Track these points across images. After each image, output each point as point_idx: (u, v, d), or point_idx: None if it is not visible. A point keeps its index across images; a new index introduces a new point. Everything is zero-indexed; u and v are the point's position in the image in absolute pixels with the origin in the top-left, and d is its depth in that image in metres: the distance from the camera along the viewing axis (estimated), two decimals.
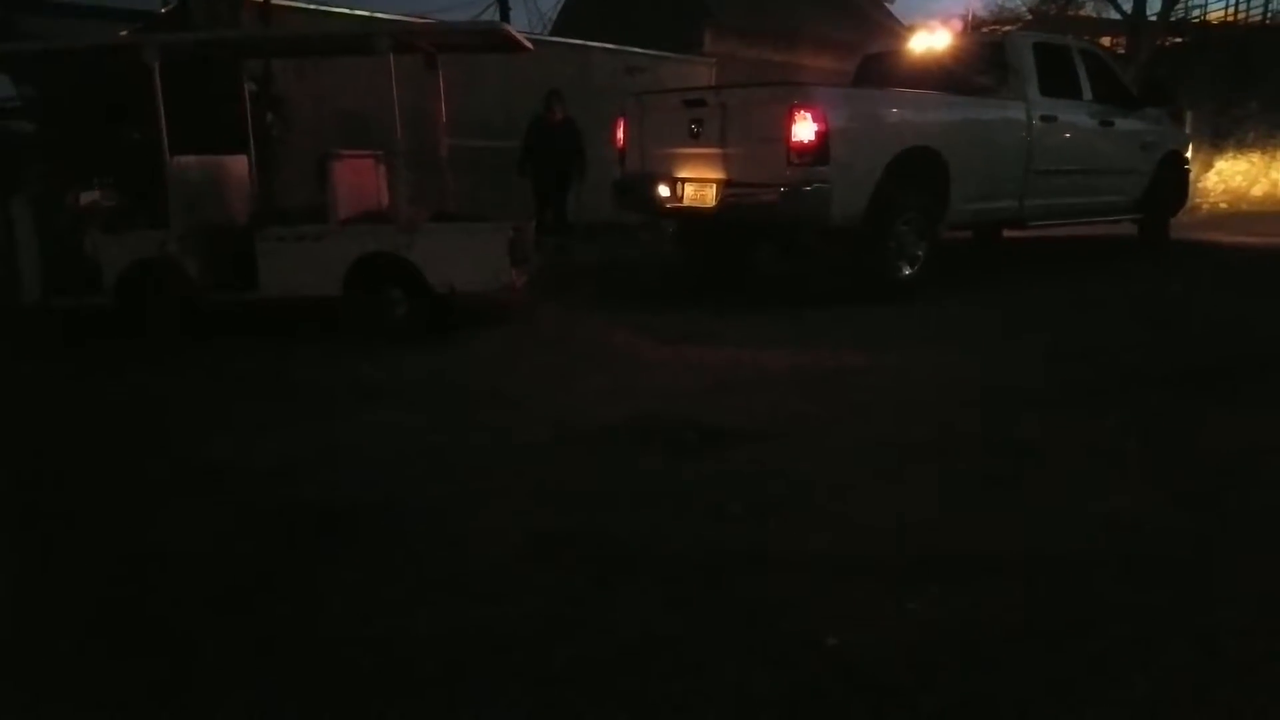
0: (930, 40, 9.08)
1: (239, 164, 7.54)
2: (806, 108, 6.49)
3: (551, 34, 19.34)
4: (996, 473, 3.65)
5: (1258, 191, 17.58)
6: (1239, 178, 18.24)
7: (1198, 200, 15.97)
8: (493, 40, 7.31)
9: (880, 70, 9.23)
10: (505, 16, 15.89)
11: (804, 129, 6.46)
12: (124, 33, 11.26)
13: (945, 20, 21.75)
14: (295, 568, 3.07)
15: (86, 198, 7.07)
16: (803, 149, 6.50)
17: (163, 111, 6.52)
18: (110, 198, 7.27)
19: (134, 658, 2.57)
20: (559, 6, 21.34)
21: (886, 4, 24.27)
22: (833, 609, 2.62)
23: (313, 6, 12.24)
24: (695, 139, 7.25)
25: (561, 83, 10.67)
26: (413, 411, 4.87)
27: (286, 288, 6.58)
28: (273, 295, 6.62)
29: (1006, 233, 10.04)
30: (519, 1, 24.84)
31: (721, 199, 7.05)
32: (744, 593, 2.74)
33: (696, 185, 7.28)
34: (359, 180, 7.21)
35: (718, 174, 7.10)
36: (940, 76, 8.27)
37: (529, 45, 7.76)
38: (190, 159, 7.00)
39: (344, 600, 2.84)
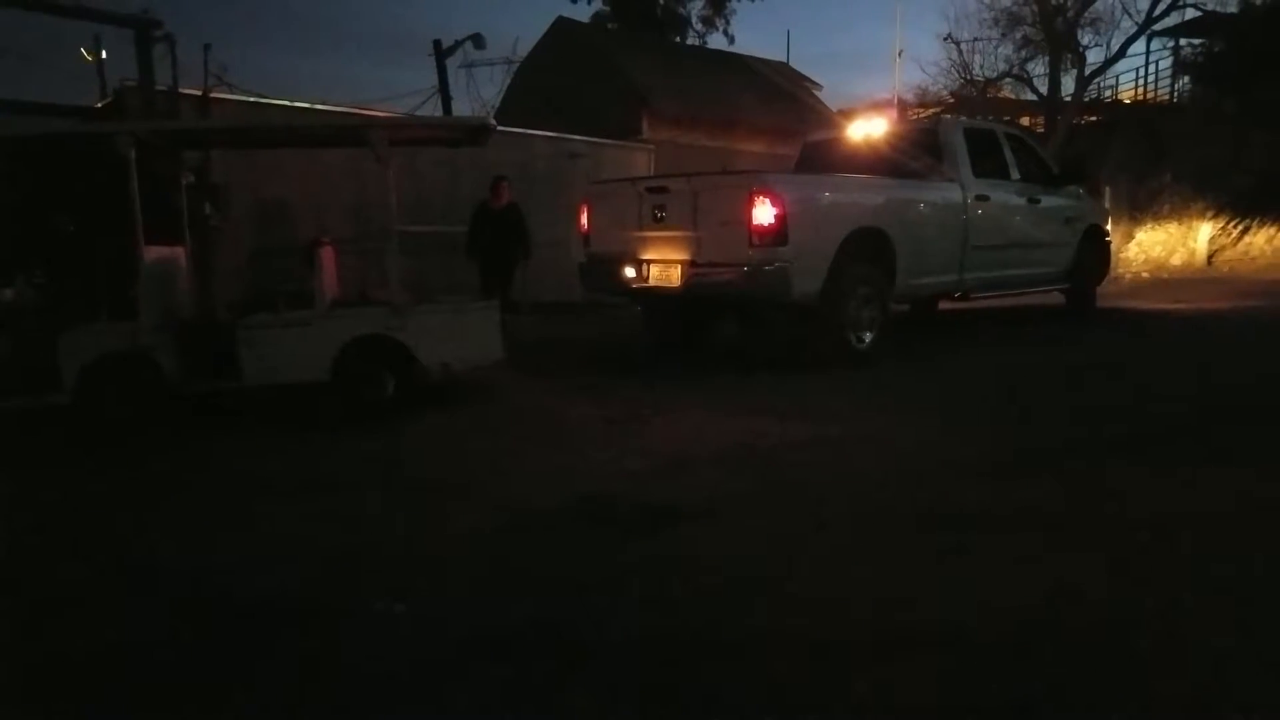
0: (867, 127, 10.10)
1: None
2: (766, 193, 7.29)
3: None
4: (942, 546, 3.78)
5: (1176, 260, 19.06)
6: (1158, 248, 19.78)
7: (1120, 270, 17.33)
8: (480, 134, 7.83)
9: (821, 156, 10.19)
10: (447, 106, 16.71)
11: (764, 212, 7.25)
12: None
13: (875, 105, 23.43)
14: (224, 672, 3.02)
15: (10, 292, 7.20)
16: (763, 231, 7.28)
17: (138, 201, 6.58)
18: (33, 291, 7.37)
19: None
20: (501, 95, 22.36)
21: (815, 91, 25.91)
22: (781, 694, 2.70)
23: (251, 99, 12.87)
24: (659, 222, 8.02)
25: (503, 168, 11.39)
26: (362, 500, 4.94)
27: (272, 375, 6.77)
28: (256, 383, 6.77)
29: (944, 304, 10.94)
30: (459, 89, 25.62)
31: (687, 278, 7.78)
32: (692, 680, 2.80)
33: (661, 266, 8.03)
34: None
35: (682, 255, 7.85)
36: (878, 161, 9.23)
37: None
38: (162, 249, 7.17)
39: (278, 705, 2.81)
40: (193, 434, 6.75)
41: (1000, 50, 25.82)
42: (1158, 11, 22.81)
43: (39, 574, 4.07)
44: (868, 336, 8.19)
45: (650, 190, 8.25)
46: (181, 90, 12.08)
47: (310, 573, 3.89)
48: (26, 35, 20.73)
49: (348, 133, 7.84)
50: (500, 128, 8.07)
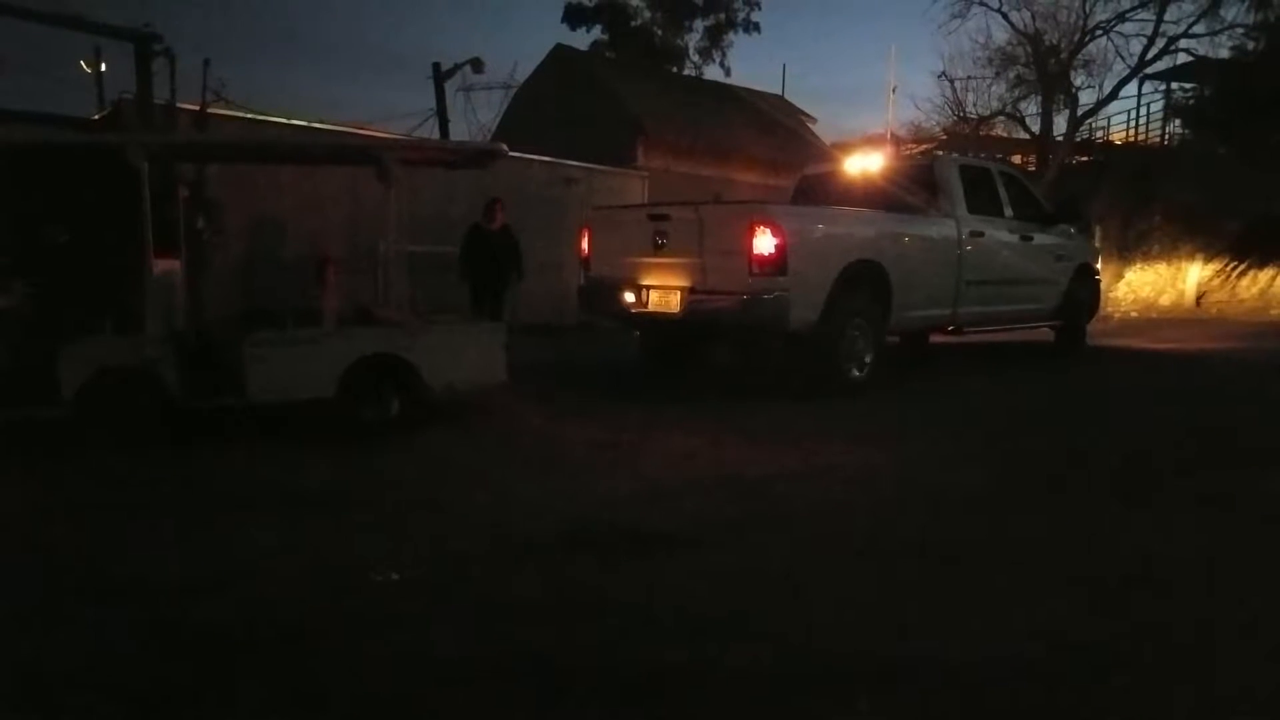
0: (864, 161, 10.35)
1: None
2: (766, 223, 7.49)
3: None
4: (930, 578, 3.85)
5: (1165, 300, 19.36)
6: (1147, 288, 20.10)
7: (1110, 309, 17.61)
8: (489, 159, 8.05)
9: (818, 189, 10.42)
10: (445, 128, 16.93)
11: (764, 242, 7.45)
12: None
13: (869, 139, 23.81)
14: (207, 689, 3.01)
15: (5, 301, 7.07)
16: (763, 261, 7.47)
17: (148, 213, 6.62)
18: (30, 301, 7.43)
19: None
20: (498, 119, 22.59)
21: (810, 124, 26.29)
22: None
23: (249, 115, 13.02)
24: (659, 249, 8.21)
25: (499, 192, 11.48)
26: (348, 520, 4.94)
27: (277, 392, 6.75)
28: (261, 400, 6.75)
29: (935, 338, 11.13)
30: (457, 112, 25.69)
31: (686, 305, 7.97)
32: (678, 709, 2.83)
33: (661, 292, 8.21)
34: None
35: (681, 282, 8.03)
36: (874, 195, 9.44)
37: None
38: (167, 263, 7.13)
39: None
40: (193, 449, 6.75)
41: (993, 89, 26.28)
42: (1150, 55, 23.31)
43: (22, 587, 4.01)
44: (862, 368, 8.37)
45: (652, 217, 8.45)
46: (179, 105, 12.25)
47: (300, 591, 3.88)
48: (26, 45, 20.94)
49: (359, 152, 8.00)
50: None
